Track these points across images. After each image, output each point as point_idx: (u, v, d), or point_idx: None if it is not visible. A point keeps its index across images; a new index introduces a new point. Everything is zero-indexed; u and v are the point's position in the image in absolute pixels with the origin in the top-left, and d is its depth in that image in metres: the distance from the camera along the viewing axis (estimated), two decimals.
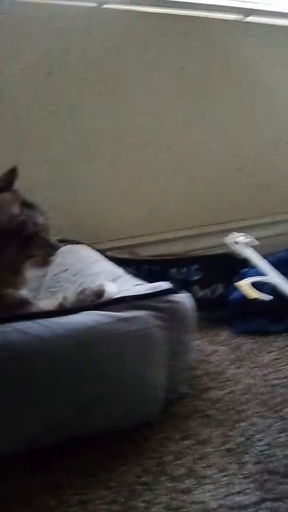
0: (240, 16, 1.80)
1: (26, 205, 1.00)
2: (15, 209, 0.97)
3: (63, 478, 0.83)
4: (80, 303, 1.00)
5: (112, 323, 0.89)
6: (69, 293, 1.03)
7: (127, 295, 0.99)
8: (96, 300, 1.00)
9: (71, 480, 0.83)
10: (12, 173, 1.00)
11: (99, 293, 1.02)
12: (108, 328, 0.89)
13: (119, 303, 0.95)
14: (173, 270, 1.43)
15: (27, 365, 0.82)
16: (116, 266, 1.22)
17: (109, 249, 1.49)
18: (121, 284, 1.09)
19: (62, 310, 0.94)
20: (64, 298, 1.02)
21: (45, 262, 1.02)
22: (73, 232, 1.45)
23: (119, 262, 1.26)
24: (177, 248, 1.74)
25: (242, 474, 0.84)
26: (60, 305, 1.01)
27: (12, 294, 0.96)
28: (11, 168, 1.00)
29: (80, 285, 1.15)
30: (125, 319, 0.91)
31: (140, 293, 0.99)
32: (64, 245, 1.33)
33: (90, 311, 0.91)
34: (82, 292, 1.03)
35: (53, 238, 1.04)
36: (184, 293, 1.02)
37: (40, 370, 0.83)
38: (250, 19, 1.81)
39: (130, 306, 0.94)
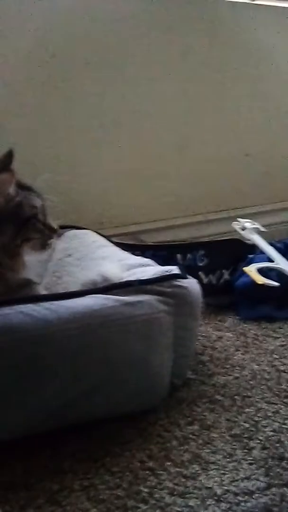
0: None
1: (23, 187, 0.99)
2: (12, 190, 0.95)
3: (65, 463, 0.82)
4: None
5: (117, 307, 0.88)
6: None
7: (133, 279, 0.97)
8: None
9: (74, 465, 0.82)
10: (8, 156, 0.98)
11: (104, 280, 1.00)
12: (113, 312, 0.87)
13: (125, 287, 0.93)
14: (179, 256, 1.41)
15: (31, 348, 0.81)
16: (122, 250, 1.20)
17: (114, 235, 1.47)
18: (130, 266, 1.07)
19: (67, 293, 0.92)
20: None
21: (43, 245, 1.00)
22: (77, 218, 1.43)
23: (123, 247, 1.24)
24: (182, 235, 1.72)
25: (248, 460, 0.83)
26: None
27: (13, 275, 0.95)
28: (7, 151, 0.99)
29: (83, 269, 1.13)
30: (130, 303, 0.89)
31: (147, 278, 0.97)
32: (69, 230, 1.32)
33: (95, 295, 0.90)
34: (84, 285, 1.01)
35: (52, 221, 1.03)
36: (191, 278, 1.00)
37: (43, 354, 0.81)
38: (259, 1, 1.78)
39: (136, 290, 0.92)
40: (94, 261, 1.14)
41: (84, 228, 1.36)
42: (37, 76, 1.46)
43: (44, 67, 1.46)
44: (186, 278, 0.98)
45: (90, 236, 1.30)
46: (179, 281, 0.96)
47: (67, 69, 1.50)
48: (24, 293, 0.94)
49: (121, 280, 0.98)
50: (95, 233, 1.32)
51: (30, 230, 0.97)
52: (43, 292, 1.01)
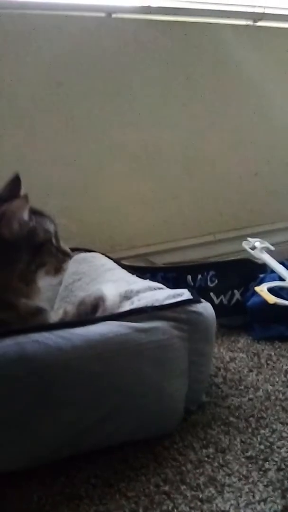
0: (250, 21, 1.79)
1: (35, 212, 0.99)
2: (26, 215, 0.96)
3: (81, 489, 0.82)
4: (81, 315, 0.99)
5: (130, 334, 0.88)
6: (70, 307, 1.02)
7: (147, 305, 0.97)
8: (99, 305, 0.98)
9: (89, 491, 0.82)
10: (15, 180, 0.99)
11: (98, 298, 1.00)
12: (126, 339, 0.87)
13: (139, 314, 0.93)
14: (189, 277, 1.41)
15: (45, 376, 0.81)
16: (131, 274, 1.20)
17: (123, 258, 1.48)
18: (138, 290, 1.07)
19: (81, 321, 0.92)
20: (65, 312, 1.00)
21: (57, 270, 1.00)
22: (87, 241, 1.44)
23: (133, 270, 1.25)
24: (192, 255, 1.72)
25: (264, 482, 0.83)
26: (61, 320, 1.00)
27: (26, 303, 0.94)
28: (13, 176, 1.00)
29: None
30: (144, 330, 0.89)
31: (161, 304, 0.97)
32: (77, 254, 1.32)
33: (108, 321, 0.90)
34: (81, 303, 1.01)
35: (65, 245, 1.03)
36: (205, 302, 0.99)
37: (58, 382, 0.82)
38: (261, 23, 1.80)
39: (150, 316, 0.92)
40: (102, 285, 1.15)
41: (93, 251, 1.37)
42: (46, 103, 1.48)
43: (51, 96, 1.49)
44: (200, 302, 0.98)
45: (98, 259, 1.31)
46: (193, 307, 0.96)
47: (74, 96, 1.52)
48: (36, 321, 0.94)
49: (115, 300, 0.98)
50: (103, 256, 1.33)
51: (45, 255, 0.98)
52: (54, 318, 1.01)
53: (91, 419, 0.85)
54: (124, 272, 1.21)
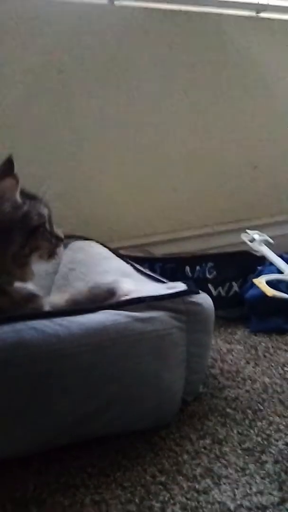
0: (253, 12, 1.78)
1: (29, 196, 0.98)
2: (18, 197, 0.94)
3: (77, 478, 0.82)
4: (93, 298, 0.98)
5: (129, 323, 0.87)
6: (82, 287, 1.01)
7: (145, 295, 0.96)
8: (109, 297, 0.98)
9: (85, 480, 0.82)
10: (8, 162, 0.97)
11: (112, 290, 0.99)
12: (125, 328, 0.86)
13: (138, 303, 0.92)
14: (187, 268, 1.41)
15: (43, 364, 0.80)
16: (127, 263, 1.20)
17: (122, 248, 1.47)
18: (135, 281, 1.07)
19: (79, 309, 0.91)
20: (79, 292, 0.99)
21: (51, 254, 0.99)
22: (85, 231, 1.44)
23: (132, 260, 1.24)
24: (190, 247, 1.72)
25: (260, 474, 0.82)
26: (71, 300, 0.99)
27: (19, 288, 0.94)
28: (6, 158, 0.97)
29: (87, 283, 1.12)
30: (142, 320, 0.89)
31: (159, 294, 0.96)
32: (74, 242, 1.32)
33: (107, 310, 0.89)
34: (95, 287, 1.00)
35: (58, 230, 1.02)
36: (204, 294, 0.99)
37: (55, 369, 0.81)
38: (264, 15, 1.79)
39: (148, 306, 0.92)
40: (98, 275, 1.14)
41: (89, 239, 1.36)
42: (46, 90, 1.47)
43: (52, 83, 1.48)
44: (198, 293, 0.97)
45: (95, 248, 1.30)
46: (192, 297, 0.95)
47: (75, 85, 1.51)
48: (30, 307, 0.94)
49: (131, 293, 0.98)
50: (100, 245, 1.32)
51: (39, 239, 0.96)
52: (48, 305, 1.00)
53: (89, 408, 0.84)
54: (120, 262, 1.21)
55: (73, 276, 1.21)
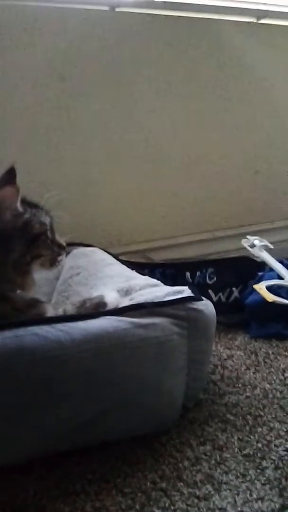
0: (253, 19, 1.79)
1: (31, 204, 0.99)
2: (19, 206, 0.95)
3: (77, 484, 0.82)
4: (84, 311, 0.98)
5: (130, 329, 0.87)
6: (69, 307, 1.01)
7: (146, 301, 0.97)
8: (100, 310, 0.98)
9: (86, 487, 0.81)
10: (10, 172, 0.98)
11: (101, 304, 0.99)
12: (126, 334, 0.87)
13: (139, 309, 0.93)
14: (188, 274, 1.41)
15: (44, 369, 0.80)
16: (130, 269, 1.20)
17: (122, 254, 1.47)
18: (138, 286, 1.07)
19: (80, 315, 0.92)
20: (64, 311, 1.00)
21: (52, 263, 1.00)
22: (85, 236, 1.44)
23: (132, 266, 1.24)
24: (190, 252, 1.72)
25: (261, 480, 0.82)
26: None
27: (21, 295, 0.94)
28: (9, 168, 0.99)
29: (91, 288, 1.13)
30: (143, 326, 0.89)
31: (160, 300, 0.97)
32: (76, 248, 1.32)
33: (108, 317, 0.90)
34: (82, 304, 1.00)
35: (60, 238, 1.03)
36: (206, 300, 0.99)
37: (56, 375, 0.81)
38: (264, 21, 1.79)
39: (149, 312, 0.92)
40: (101, 280, 1.14)
41: (92, 246, 1.36)
42: (47, 97, 1.48)
43: (54, 90, 1.48)
44: (201, 300, 0.97)
45: (97, 254, 1.30)
46: (194, 304, 0.95)
47: (77, 90, 1.51)
48: (32, 312, 0.94)
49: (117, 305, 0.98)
50: (102, 251, 1.32)
51: (40, 247, 0.97)
52: (51, 311, 1.00)
53: (89, 414, 0.84)
54: (123, 268, 1.21)
55: (75, 281, 1.21)
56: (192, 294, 0.98)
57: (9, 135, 1.43)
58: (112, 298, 1.00)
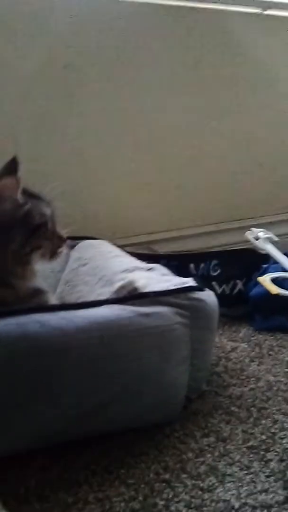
0: (259, 9, 1.77)
1: (31, 195, 0.98)
2: (19, 196, 0.95)
3: (80, 475, 0.81)
4: None
5: (133, 318, 0.87)
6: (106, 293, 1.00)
7: (149, 290, 0.96)
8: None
9: (88, 477, 0.81)
10: (13, 162, 0.97)
11: (134, 290, 0.98)
12: (129, 323, 0.86)
13: (141, 298, 0.92)
14: (192, 266, 1.40)
15: (46, 357, 0.80)
16: (139, 261, 1.19)
17: (125, 245, 1.46)
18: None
19: (82, 303, 0.91)
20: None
21: (53, 254, 0.99)
22: (89, 228, 1.43)
23: (136, 257, 1.23)
24: (194, 245, 1.71)
25: (265, 473, 0.81)
26: None
27: (23, 284, 0.94)
28: (11, 158, 0.98)
29: (100, 278, 1.12)
30: (146, 315, 0.88)
31: (163, 289, 0.96)
32: (82, 241, 1.32)
33: (110, 305, 0.89)
34: (118, 292, 1.00)
35: (61, 230, 1.02)
36: (208, 291, 0.99)
37: (59, 363, 0.81)
38: (270, 12, 1.78)
39: (152, 301, 0.91)
40: (111, 270, 1.13)
41: (99, 239, 1.36)
42: (50, 87, 1.46)
43: (57, 79, 1.47)
44: (203, 290, 0.97)
45: (105, 246, 1.30)
46: (196, 294, 0.95)
47: (80, 80, 1.50)
48: (34, 302, 0.94)
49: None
50: (110, 244, 1.32)
51: (40, 238, 0.97)
52: (53, 301, 1.00)
53: (92, 403, 0.84)
54: (132, 259, 1.20)
55: (82, 271, 1.21)
56: (195, 284, 0.97)
57: (11, 124, 1.42)
58: (142, 282, 1.00)
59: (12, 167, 0.97)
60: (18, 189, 0.95)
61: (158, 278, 1.05)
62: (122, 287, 1.00)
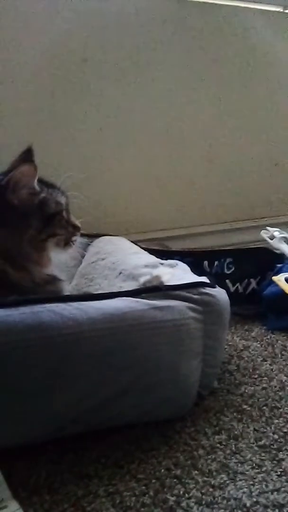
0: (280, 8, 1.76)
1: (47, 184, 1.00)
2: (35, 184, 0.96)
3: (90, 468, 0.81)
4: None
5: (146, 311, 0.86)
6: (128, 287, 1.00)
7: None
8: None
9: (99, 471, 0.80)
10: (28, 151, 1.00)
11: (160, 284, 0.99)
12: (142, 315, 0.85)
13: (154, 291, 0.92)
14: (206, 263, 1.39)
15: (59, 347, 0.79)
16: (157, 257, 1.19)
17: (139, 241, 1.46)
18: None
19: (96, 295, 0.91)
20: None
21: (67, 243, 1.02)
22: (103, 224, 1.43)
23: (151, 253, 1.23)
24: (208, 242, 1.70)
25: (277, 472, 0.81)
26: None
27: (40, 271, 0.95)
28: (26, 148, 1.00)
29: (120, 273, 1.12)
30: (160, 308, 0.87)
31: (175, 283, 0.96)
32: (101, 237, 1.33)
33: (124, 297, 0.88)
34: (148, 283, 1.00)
35: (75, 219, 1.04)
36: (219, 288, 0.98)
37: (72, 353, 0.80)
38: None
39: (165, 295, 0.91)
40: (129, 264, 1.12)
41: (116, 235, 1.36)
42: (68, 80, 1.46)
43: (75, 71, 1.47)
44: (214, 287, 0.97)
45: (124, 243, 1.31)
46: (207, 289, 0.94)
47: (98, 73, 1.50)
48: (50, 289, 0.95)
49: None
50: (128, 241, 1.32)
51: (56, 226, 0.99)
52: (68, 290, 1.00)
53: (104, 394, 0.83)
54: (152, 257, 1.20)
55: (101, 265, 1.21)
56: (206, 281, 0.97)
57: (28, 116, 1.42)
58: (167, 278, 1.00)
59: (27, 156, 0.99)
60: (35, 176, 0.96)
61: (180, 275, 1.04)
62: (148, 281, 1.00)
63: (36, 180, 0.97)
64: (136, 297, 0.89)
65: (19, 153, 1.01)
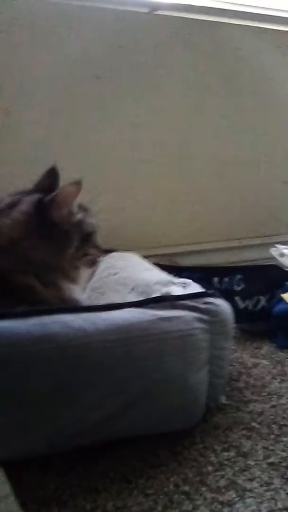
0: None
1: (81, 206, 1.04)
2: (75, 204, 1.01)
3: (98, 482, 0.81)
4: None
5: (154, 321, 0.87)
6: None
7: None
8: None
9: (107, 485, 0.80)
10: (53, 172, 1.04)
11: None
12: (149, 326, 0.86)
13: (160, 302, 0.93)
14: (215, 279, 1.39)
15: (67, 358, 0.80)
16: (170, 275, 1.20)
17: (148, 257, 1.46)
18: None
19: (104, 306, 0.92)
20: None
21: (93, 262, 1.07)
22: (112, 239, 1.43)
23: (161, 268, 1.24)
24: (216, 259, 1.71)
25: (286, 490, 0.80)
26: None
27: (70, 290, 0.98)
28: (50, 168, 1.05)
29: (133, 289, 1.13)
30: (167, 318, 0.88)
31: (180, 294, 0.97)
32: (113, 252, 1.34)
33: (131, 308, 0.89)
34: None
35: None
36: (222, 300, 0.99)
37: (80, 364, 0.81)
38: None
39: (172, 305, 0.92)
40: (141, 281, 1.13)
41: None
42: (82, 97, 1.49)
43: (89, 89, 1.48)
44: (218, 297, 0.98)
45: (136, 259, 1.32)
46: (211, 299, 0.96)
47: (111, 92, 1.52)
48: None
49: None
50: (139, 257, 1.33)
51: (90, 246, 1.04)
52: None
53: (113, 405, 0.84)
54: (163, 273, 1.21)
55: (112, 280, 1.23)
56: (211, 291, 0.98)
57: (42, 130, 1.43)
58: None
59: (53, 176, 1.04)
60: (77, 197, 1.00)
61: None
62: None
63: (76, 201, 1.01)
64: (143, 308, 0.90)
65: (37, 166, 1.04)
